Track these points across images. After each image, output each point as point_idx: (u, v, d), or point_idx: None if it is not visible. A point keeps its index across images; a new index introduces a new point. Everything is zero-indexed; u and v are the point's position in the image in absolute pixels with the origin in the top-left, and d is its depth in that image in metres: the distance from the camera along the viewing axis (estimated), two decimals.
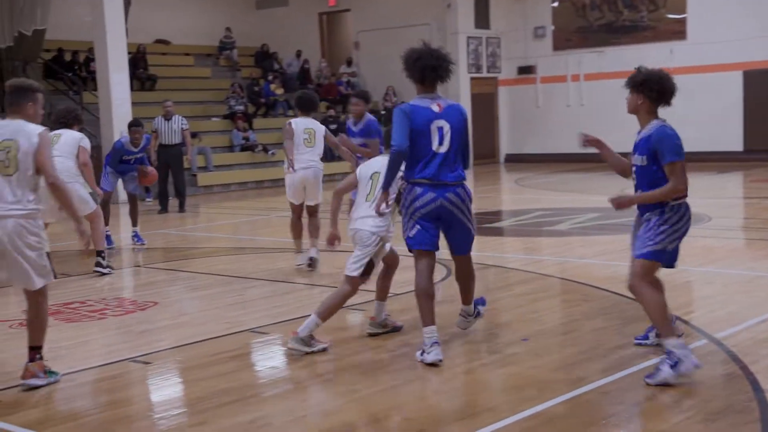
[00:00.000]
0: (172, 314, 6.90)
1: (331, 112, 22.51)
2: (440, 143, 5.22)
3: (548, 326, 6.17)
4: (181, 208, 15.01)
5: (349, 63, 25.69)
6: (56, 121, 8.96)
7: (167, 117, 14.63)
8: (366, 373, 5.09)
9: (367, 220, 5.53)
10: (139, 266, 9.80)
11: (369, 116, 8.49)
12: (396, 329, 5.95)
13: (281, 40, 26.11)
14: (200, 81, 23.84)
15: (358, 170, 5.80)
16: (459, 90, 24.32)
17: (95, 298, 7.54)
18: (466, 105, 24.47)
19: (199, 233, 12.77)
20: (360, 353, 5.53)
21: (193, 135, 18.40)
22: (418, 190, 5.24)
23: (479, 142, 25.06)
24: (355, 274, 5.56)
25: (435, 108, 5.24)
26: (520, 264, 8.63)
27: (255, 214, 14.69)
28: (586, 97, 23.95)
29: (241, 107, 21.91)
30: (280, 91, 23.48)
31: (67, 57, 20.91)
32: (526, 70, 24.97)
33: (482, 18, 24.48)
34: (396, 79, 24.06)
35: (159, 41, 24.56)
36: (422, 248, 5.31)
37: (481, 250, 9.97)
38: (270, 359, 5.63)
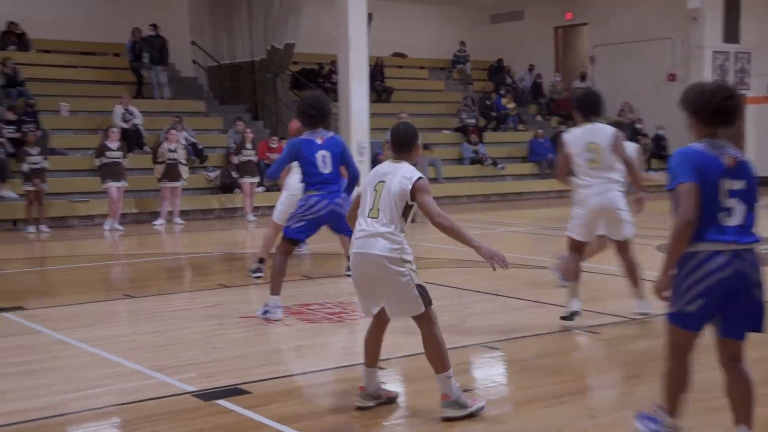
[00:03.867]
0: (403, 323, 7.05)
1: (563, 127, 22.23)
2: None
3: None
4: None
5: (583, 77, 25.20)
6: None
7: None
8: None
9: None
10: None
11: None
12: (390, 401, 4.88)
13: (514, 53, 26.10)
14: (433, 94, 24.35)
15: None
16: None
17: (333, 302, 7.90)
18: None
19: (427, 243, 13.01)
20: (551, 386, 5.39)
21: (425, 147, 18.81)
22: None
23: None
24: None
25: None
26: None
27: (482, 227, 14.76)
28: None
29: (473, 120, 22.14)
30: (511, 105, 23.50)
31: (313, 69, 22.11)
32: None
33: (732, 31, 23.11)
34: (632, 95, 23.35)
35: (396, 54, 25.36)
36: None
37: None
38: (497, 374, 5.63)
